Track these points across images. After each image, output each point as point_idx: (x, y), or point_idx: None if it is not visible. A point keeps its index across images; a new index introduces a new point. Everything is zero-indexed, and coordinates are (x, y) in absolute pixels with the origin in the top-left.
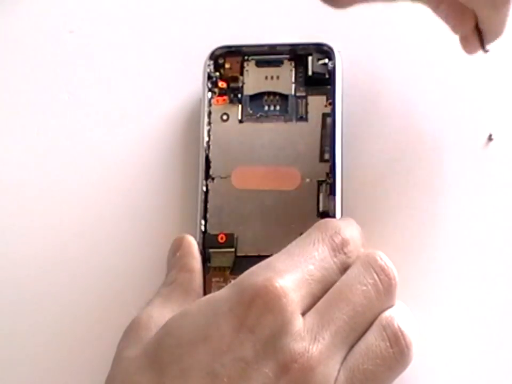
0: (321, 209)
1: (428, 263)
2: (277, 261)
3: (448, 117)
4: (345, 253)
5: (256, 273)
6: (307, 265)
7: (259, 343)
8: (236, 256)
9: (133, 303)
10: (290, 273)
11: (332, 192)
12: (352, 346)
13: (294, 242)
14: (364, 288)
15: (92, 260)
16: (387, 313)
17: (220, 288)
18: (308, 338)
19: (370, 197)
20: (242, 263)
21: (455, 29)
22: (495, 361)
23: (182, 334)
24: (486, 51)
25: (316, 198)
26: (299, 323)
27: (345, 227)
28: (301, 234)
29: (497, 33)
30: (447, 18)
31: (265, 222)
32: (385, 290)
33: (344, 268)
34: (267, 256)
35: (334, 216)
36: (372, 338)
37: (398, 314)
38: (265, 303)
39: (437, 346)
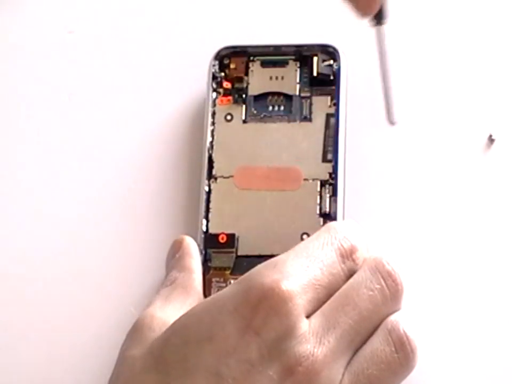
0: (323, 209)
1: (430, 265)
2: (285, 262)
3: (449, 118)
4: (353, 260)
5: (263, 273)
6: (315, 269)
7: (264, 345)
8: (237, 257)
9: (133, 303)
10: (298, 276)
11: (334, 192)
12: (357, 350)
13: (302, 244)
14: (371, 293)
15: (93, 259)
16: (392, 318)
17: (220, 288)
18: (313, 341)
19: (372, 198)
20: (243, 263)
21: None
22: (499, 365)
23: (188, 333)
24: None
25: (318, 199)
26: (304, 326)
27: (354, 232)
28: (302, 235)
29: None
30: None
31: (267, 222)
32: (391, 295)
33: (351, 274)
34: (268, 257)
35: (335, 217)
36: (377, 342)
37: (403, 319)
38: (271, 306)
39: (441, 350)
